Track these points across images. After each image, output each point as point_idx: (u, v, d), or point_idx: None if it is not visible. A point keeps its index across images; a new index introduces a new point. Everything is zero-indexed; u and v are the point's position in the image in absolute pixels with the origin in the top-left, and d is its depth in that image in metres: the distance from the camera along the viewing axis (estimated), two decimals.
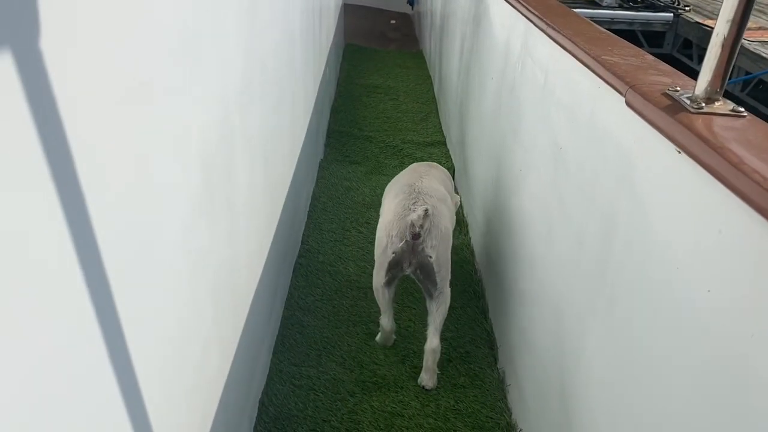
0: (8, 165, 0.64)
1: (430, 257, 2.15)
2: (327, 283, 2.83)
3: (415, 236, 2.11)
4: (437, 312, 2.24)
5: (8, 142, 0.64)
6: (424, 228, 2.12)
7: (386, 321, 2.36)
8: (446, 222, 2.26)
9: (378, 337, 2.47)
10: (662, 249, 1.21)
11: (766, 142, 1.05)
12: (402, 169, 2.77)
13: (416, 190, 2.30)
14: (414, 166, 2.69)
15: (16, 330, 0.66)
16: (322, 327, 2.54)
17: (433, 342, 2.23)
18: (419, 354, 2.38)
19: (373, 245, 2.40)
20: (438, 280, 2.19)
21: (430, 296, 2.24)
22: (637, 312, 1.29)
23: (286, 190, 2.64)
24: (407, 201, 2.23)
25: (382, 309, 2.37)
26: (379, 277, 2.27)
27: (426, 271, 2.18)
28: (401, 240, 2.14)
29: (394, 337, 2.45)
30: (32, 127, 0.68)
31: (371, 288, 2.39)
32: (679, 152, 1.15)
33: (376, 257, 2.28)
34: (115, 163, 0.90)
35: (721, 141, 1.06)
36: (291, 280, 2.83)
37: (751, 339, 0.91)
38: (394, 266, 2.20)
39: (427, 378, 2.28)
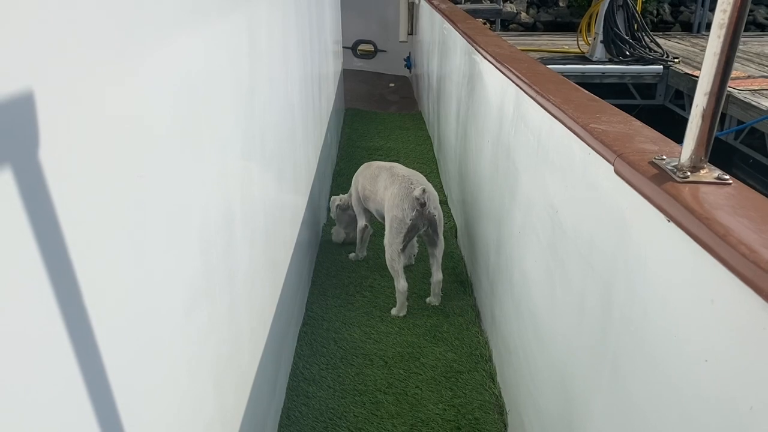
0: (6, 264, 0.66)
1: (435, 215, 3.07)
2: (332, 350, 2.81)
3: (423, 205, 3.01)
4: (438, 253, 3.15)
5: (6, 245, 0.66)
6: (426, 197, 3.00)
7: (401, 283, 3.07)
8: (434, 190, 3.14)
9: (394, 310, 3.12)
10: (659, 317, 1.21)
11: (752, 212, 1.07)
12: None
13: (404, 176, 3.14)
14: (379, 164, 3.45)
15: (13, 414, 0.67)
16: (328, 398, 2.51)
17: (437, 275, 3.16)
18: (428, 422, 2.36)
19: (378, 309, 3.18)
20: (438, 230, 3.12)
21: (433, 244, 3.15)
22: (640, 381, 1.28)
23: (289, 259, 2.66)
24: (404, 184, 3.08)
25: (397, 275, 3.08)
26: (395, 245, 3.06)
27: (433, 225, 3.10)
28: (413, 209, 3.01)
29: (407, 303, 3.13)
30: (29, 228, 0.70)
31: (377, 355, 2.57)
32: (668, 221, 1.17)
33: (391, 231, 3.06)
34: (113, 254, 0.92)
35: (707, 211, 1.08)
36: (295, 349, 2.81)
37: (750, 411, 0.90)
38: (411, 229, 3.05)
39: (434, 299, 3.20)
